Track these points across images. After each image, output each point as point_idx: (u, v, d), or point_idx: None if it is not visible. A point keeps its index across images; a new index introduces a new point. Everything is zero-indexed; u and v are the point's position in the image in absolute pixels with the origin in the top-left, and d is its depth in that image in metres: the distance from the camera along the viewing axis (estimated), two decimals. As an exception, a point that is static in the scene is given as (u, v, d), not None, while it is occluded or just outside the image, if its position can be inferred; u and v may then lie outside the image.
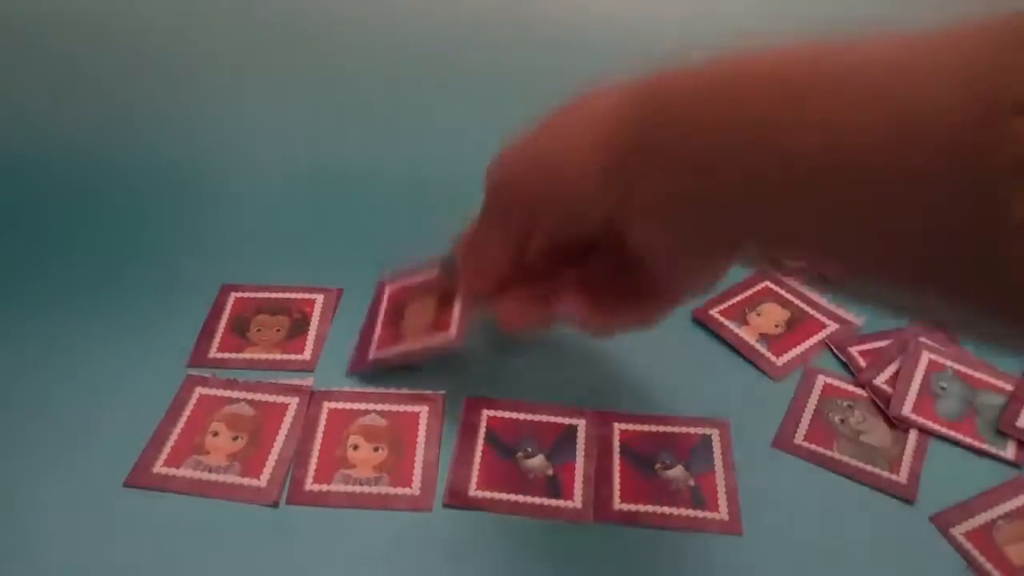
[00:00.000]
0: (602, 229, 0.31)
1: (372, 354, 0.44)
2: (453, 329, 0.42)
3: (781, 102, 0.23)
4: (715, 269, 0.34)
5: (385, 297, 0.48)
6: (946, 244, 0.21)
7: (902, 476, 0.41)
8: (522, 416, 0.43)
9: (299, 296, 0.49)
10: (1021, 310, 0.20)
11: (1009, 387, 0.45)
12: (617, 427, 0.42)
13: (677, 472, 0.40)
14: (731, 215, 0.26)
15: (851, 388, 0.45)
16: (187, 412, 0.42)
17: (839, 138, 0.22)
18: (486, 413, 0.43)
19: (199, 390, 0.43)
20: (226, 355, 0.45)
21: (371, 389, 0.44)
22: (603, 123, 0.30)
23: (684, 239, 0.30)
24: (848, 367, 0.46)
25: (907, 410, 0.43)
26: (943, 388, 0.45)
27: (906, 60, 0.22)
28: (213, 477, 0.40)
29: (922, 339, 0.47)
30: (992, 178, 0.19)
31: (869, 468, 0.41)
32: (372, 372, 0.44)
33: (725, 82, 0.26)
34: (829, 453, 0.42)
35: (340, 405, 0.43)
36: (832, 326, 0.49)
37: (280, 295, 0.49)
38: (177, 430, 0.41)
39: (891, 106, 0.21)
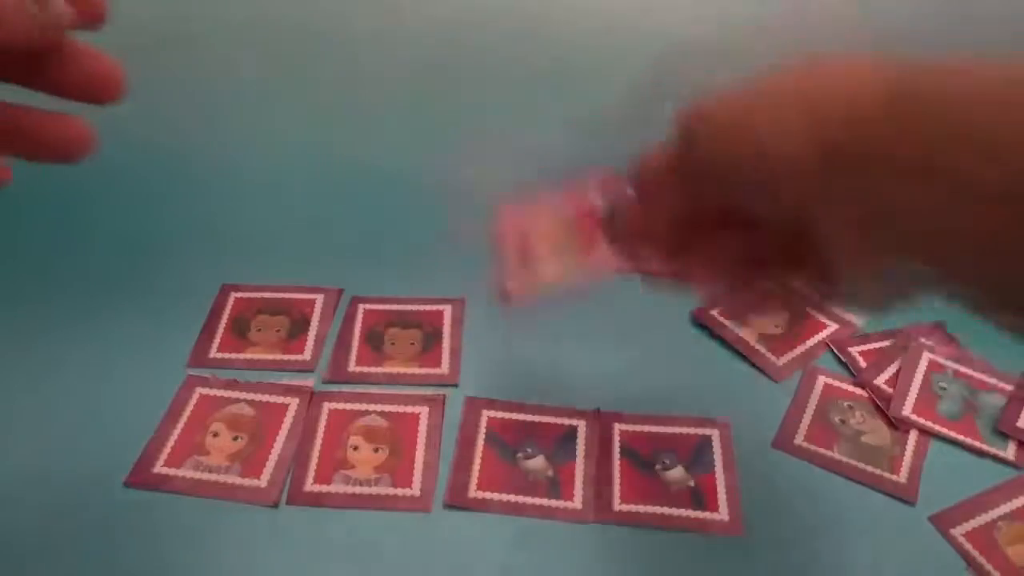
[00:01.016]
0: (787, 211, 0.29)
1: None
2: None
3: None
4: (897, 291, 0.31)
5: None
6: None
7: (902, 476, 0.41)
8: (522, 417, 0.43)
9: (299, 296, 0.49)
10: None
11: (1009, 387, 0.45)
12: (617, 428, 0.42)
13: (677, 473, 0.40)
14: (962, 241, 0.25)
15: (851, 388, 0.45)
16: (187, 412, 0.42)
17: None
18: (486, 414, 0.43)
19: (199, 390, 0.43)
20: (226, 355, 0.45)
21: (371, 390, 0.44)
22: (834, 101, 0.27)
23: (877, 253, 0.28)
24: (848, 367, 0.46)
25: (907, 411, 0.43)
26: (943, 388, 0.45)
27: None
28: (213, 477, 0.40)
29: (922, 340, 0.47)
30: None
31: (869, 468, 0.41)
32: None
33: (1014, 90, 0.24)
34: (829, 453, 0.42)
35: (340, 406, 0.43)
36: (832, 326, 0.49)
37: (280, 295, 0.49)
38: (177, 430, 0.41)
39: None
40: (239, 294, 0.49)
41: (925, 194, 0.25)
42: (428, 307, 0.48)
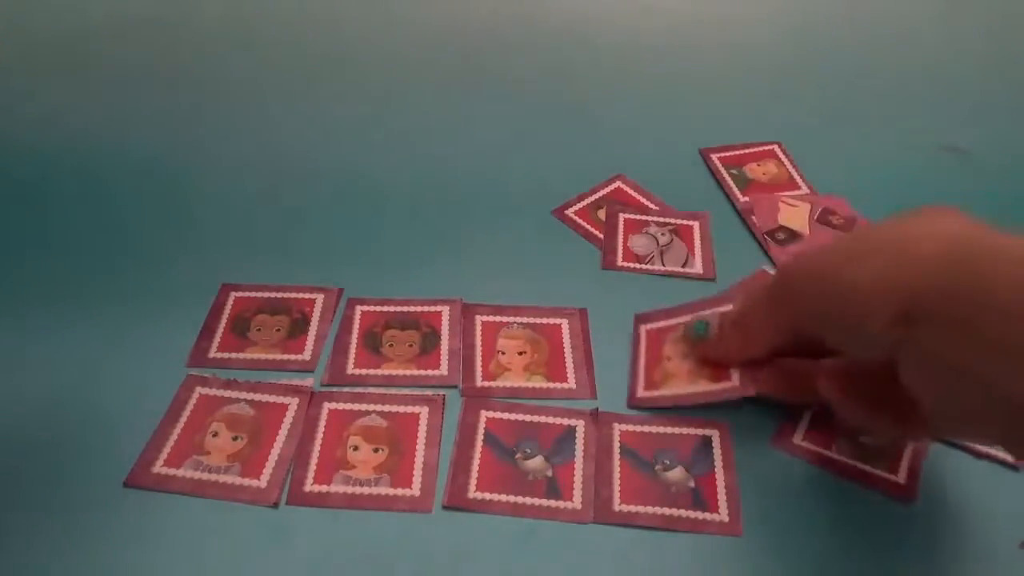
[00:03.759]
0: (874, 354, 0.32)
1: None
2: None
3: None
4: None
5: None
6: None
7: (901, 476, 0.41)
8: (521, 417, 0.43)
9: (299, 296, 0.49)
10: None
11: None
12: (617, 428, 0.42)
13: (677, 473, 0.40)
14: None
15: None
16: (187, 412, 0.42)
17: None
18: (484, 414, 0.43)
19: (199, 390, 0.43)
20: (226, 355, 0.45)
21: (371, 390, 0.44)
22: (908, 271, 0.30)
23: (954, 409, 0.31)
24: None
25: (907, 411, 0.43)
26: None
27: None
28: (213, 477, 0.40)
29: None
30: None
31: (868, 468, 0.41)
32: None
33: None
34: (829, 453, 0.42)
35: (340, 406, 0.43)
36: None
37: (280, 295, 0.49)
38: (177, 430, 0.41)
39: None
40: (239, 293, 0.49)
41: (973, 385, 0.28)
42: (426, 308, 0.48)
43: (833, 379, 0.37)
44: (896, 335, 0.31)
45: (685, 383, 0.43)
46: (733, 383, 0.42)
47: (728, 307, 0.44)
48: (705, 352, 0.43)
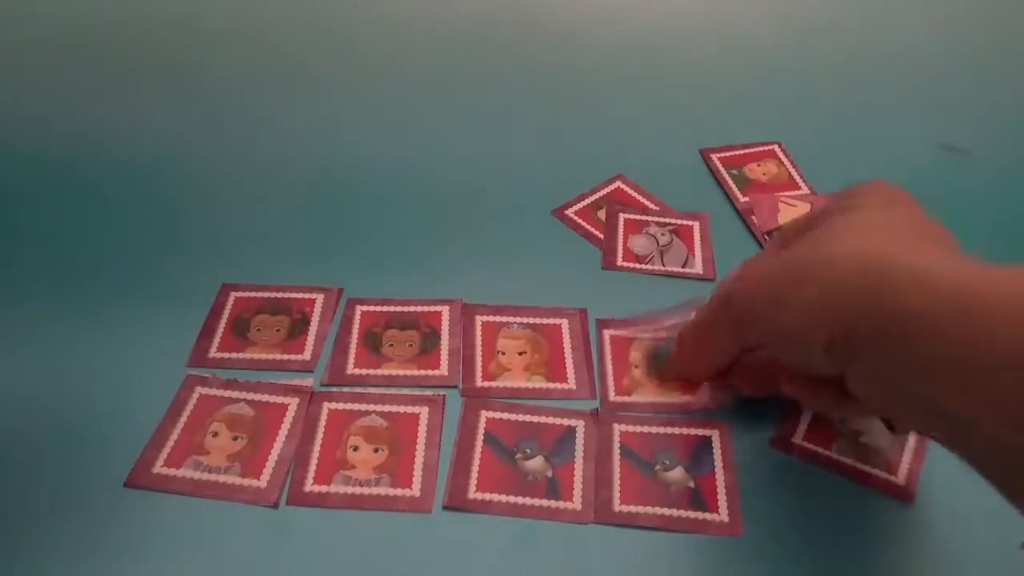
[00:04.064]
0: (825, 372, 0.33)
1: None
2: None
3: None
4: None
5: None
6: None
7: (900, 477, 0.41)
8: (521, 417, 0.43)
9: (299, 296, 0.49)
10: None
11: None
12: (617, 428, 0.42)
13: (677, 473, 0.40)
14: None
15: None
16: (187, 412, 0.42)
17: None
18: (484, 415, 0.43)
19: (199, 390, 0.43)
20: (226, 355, 0.45)
21: (371, 390, 0.44)
22: (836, 299, 0.31)
23: (897, 411, 0.34)
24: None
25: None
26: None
27: None
28: (213, 477, 0.40)
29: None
30: None
31: (868, 469, 0.41)
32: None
33: (976, 304, 0.27)
34: (828, 454, 0.42)
35: (340, 406, 0.43)
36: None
37: (280, 295, 0.49)
38: (177, 430, 0.41)
39: None
40: (239, 293, 0.49)
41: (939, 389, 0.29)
42: (426, 308, 0.48)
43: (790, 379, 0.38)
44: (837, 358, 0.32)
45: (655, 392, 0.44)
46: (701, 396, 0.43)
47: (680, 322, 0.45)
48: (668, 374, 0.44)
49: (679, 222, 0.55)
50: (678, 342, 0.43)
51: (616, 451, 0.41)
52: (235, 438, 0.41)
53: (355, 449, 0.41)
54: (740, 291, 0.37)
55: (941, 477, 0.41)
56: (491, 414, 0.43)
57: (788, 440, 0.42)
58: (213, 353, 0.46)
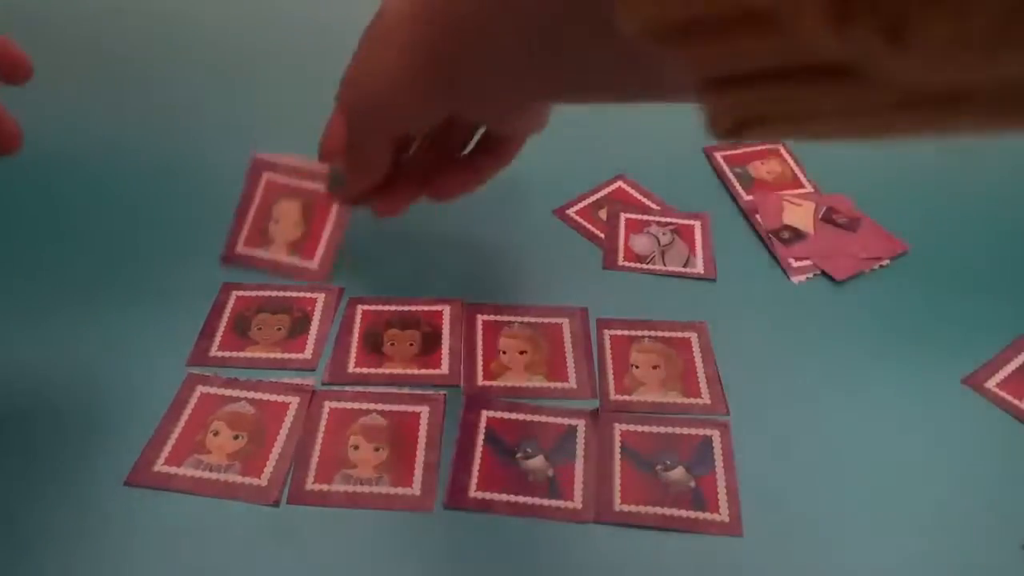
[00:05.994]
0: (441, 118, 0.36)
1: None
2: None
3: None
4: (543, 113, 0.39)
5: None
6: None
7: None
8: (522, 417, 0.43)
9: (300, 295, 0.49)
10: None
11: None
12: (618, 428, 0.42)
13: (678, 473, 0.40)
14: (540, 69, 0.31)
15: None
16: (188, 411, 0.42)
17: None
18: (485, 414, 0.43)
19: (200, 389, 0.43)
20: (227, 354, 0.45)
21: (372, 389, 0.44)
22: (400, 29, 0.33)
23: (509, 104, 0.35)
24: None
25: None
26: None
27: None
28: (214, 476, 0.40)
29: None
30: None
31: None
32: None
33: None
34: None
35: (341, 405, 0.43)
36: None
37: (281, 294, 0.49)
38: (178, 429, 0.42)
39: None
40: (240, 292, 0.49)
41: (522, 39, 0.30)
42: (427, 307, 0.48)
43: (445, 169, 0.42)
44: (439, 89, 0.33)
45: (657, 393, 0.44)
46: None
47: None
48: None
49: (680, 222, 0.55)
50: (344, 163, 0.41)
51: (617, 450, 0.41)
52: (236, 437, 0.41)
53: (356, 448, 0.41)
54: (346, 88, 0.38)
55: (941, 478, 0.41)
56: (492, 413, 0.43)
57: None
58: (214, 352, 0.46)
